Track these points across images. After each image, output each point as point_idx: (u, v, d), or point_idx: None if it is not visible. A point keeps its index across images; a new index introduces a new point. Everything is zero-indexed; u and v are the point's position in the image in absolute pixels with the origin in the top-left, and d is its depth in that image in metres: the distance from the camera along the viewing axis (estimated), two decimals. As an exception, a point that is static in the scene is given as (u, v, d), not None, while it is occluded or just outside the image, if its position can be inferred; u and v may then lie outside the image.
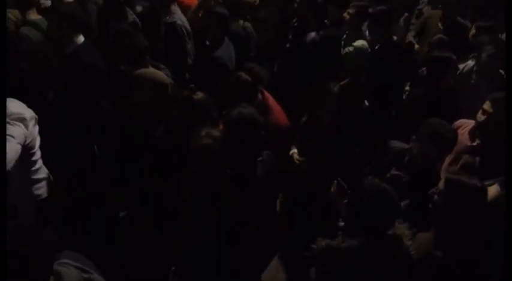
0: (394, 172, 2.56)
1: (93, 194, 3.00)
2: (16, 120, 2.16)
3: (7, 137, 2.06)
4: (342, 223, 2.25)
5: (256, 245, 2.42)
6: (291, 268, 2.94)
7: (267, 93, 2.94)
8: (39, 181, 2.43)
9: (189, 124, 2.48)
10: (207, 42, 3.82)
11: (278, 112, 2.89)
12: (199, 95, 2.59)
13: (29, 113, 2.29)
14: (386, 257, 1.90)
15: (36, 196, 2.41)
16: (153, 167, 2.64)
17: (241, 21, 4.11)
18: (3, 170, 1.34)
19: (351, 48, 3.91)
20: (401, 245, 1.93)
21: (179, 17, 3.84)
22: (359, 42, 3.93)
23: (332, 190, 2.33)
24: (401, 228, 1.99)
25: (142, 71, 2.94)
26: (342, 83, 3.77)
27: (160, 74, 2.98)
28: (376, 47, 3.85)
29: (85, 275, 1.44)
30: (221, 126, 2.60)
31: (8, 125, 2.09)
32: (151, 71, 3.00)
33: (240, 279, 2.42)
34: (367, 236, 1.93)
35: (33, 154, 2.35)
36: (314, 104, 3.01)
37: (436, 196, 2.08)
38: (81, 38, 3.07)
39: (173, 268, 2.94)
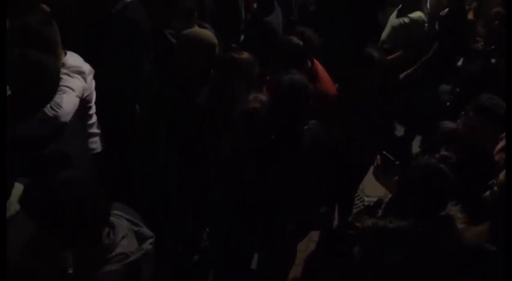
0: (443, 152, 2.42)
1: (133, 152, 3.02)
2: (75, 73, 2.17)
3: (65, 88, 2.08)
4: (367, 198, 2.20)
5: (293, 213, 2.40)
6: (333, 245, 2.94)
7: (316, 61, 2.82)
8: (94, 135, 2.46)
9: (232, 84, 2.46)
10: (255, 6, 3.70)
11: (327, 81, 2.77)
12: (244, 54, 2.52)
13: (87, 66, 2.29)
14: (438, 239, 1.79)
15: (90, 150, 2.44)
16: (195, 127, 2.63)
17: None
18: (3, 169, 1.34)
19: (406, 20, 3.68)
20: (454, 227, 1.82)
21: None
22: (416, 14, 3.69)
23: (376, 164, 2.25)
24: (453, 210, 1.89)
25: (191, 30, 2.89)
26: (391, 56, 3.59)
27: (209, 34, 2.91)
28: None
29: (135, 228, 1.44)
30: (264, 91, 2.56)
31: (67, 77, 2.10)
32: (199, 30, 2.93)
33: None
34: (418, 216, 1.82)
35: (90, 107, 2.37)
36: (358, 73, 2.88)
37: (495, 188, 1.93)
38: None
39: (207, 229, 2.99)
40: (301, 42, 2.60)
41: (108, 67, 2.68)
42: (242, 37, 3.85)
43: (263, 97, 2.23)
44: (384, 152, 2.29)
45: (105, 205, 1.32)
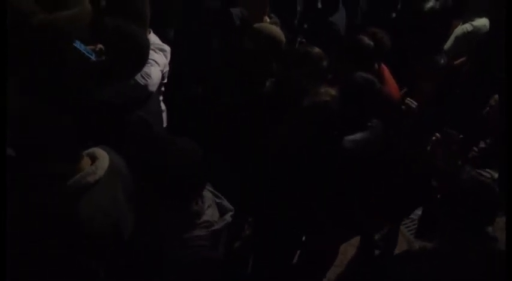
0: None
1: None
2: (158, 50, 2.28)
3: (152, 61, 2.20)
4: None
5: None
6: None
7: (383, 64, 2.83)
8: (162, 111, 2.59)
9: (302, 77, 2.49)
10: (319, 5, 3.73)
11: (392, 85, 2.79)
12: (316, 49, 2.56)
13: (166, 46, 2.42)
14: (486, 256, 1.76)
15: (161, 124, 2.56)
16: (257, 117, 2.67)
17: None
18: (3, 169, 1.38)
19: (469, 27, 3.59)
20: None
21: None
22: (480, 21, 3.58)
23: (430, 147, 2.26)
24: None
25: (262, 25, 2.96)
26: (456, 62, 3.53)
27: (279, 31, 2.97)
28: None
29: (217, 200, 1.51)
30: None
31: (152, 52, 2.20)
32: (269, 26, 2.99)
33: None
34: (468, 233, 1.79)
35: (163, 84, 2.48)
36: (418, 77, 2.88)
37: None
38: None
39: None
40: (372, 43, 2.61)
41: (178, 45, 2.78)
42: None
43: (333, 91, 2.26)
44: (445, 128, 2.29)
45: (206, 174, 1.39)
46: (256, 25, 2.87)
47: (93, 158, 1.50)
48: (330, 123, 2.23)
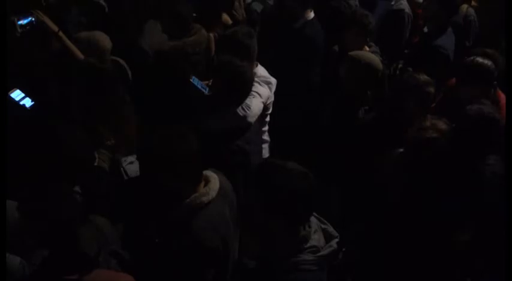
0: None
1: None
2: (263, 82, 2.43)
3: (255, 93, 2.36)
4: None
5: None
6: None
7: (498, 88, 2.62)
8: (265, 141, 2.72)
9: (408, 104, 2.41)
10: (425, 29, 3.61)
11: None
12: (423, 75, 2.46)
13: (273, 79, 2.56)
14: None
15: (260, 155, 2.68)
16: (358, 148, 2.63)
17: (464, 6, 3.76)
18: (3, 169, 1.51)
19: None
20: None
21: (405, 3, 3.74)
22: None
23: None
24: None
25: (359, 52, 2.96)
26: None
27: (376, 59, 2.94)
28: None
29: (322, 226, 1.52)
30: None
31: (257, 84, 2.38)
32: (367, 54, 2.98)
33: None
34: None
35: (267, 115, 2.63)
36: None
37: None
38: (311, 15, 3.25)
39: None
40: (489, 63, 2.44)
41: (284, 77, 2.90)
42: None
43: (443, 125, 2.10)
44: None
45: (316, 198, 1.41)
46: (352, 53, 2.88)
47: (206, 180, 1.68)
48: (439, 162, 2.06)
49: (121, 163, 2.05)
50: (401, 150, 2.31)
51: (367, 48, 3.06)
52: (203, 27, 2.94)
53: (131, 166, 2.13)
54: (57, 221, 1.45)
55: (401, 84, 2.55)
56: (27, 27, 2.30)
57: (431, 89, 2.41)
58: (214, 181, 1.68)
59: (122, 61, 2.63)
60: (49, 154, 1.70)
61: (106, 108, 1.95)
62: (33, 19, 2.30)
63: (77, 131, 1.79)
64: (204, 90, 2.32)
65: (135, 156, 2.13)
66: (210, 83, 2.36)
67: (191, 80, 2.30)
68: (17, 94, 2.03)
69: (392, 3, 3.73)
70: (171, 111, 2.22)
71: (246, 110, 2.30)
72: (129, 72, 2.61)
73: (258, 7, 3.65)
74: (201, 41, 2.94)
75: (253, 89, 2.35)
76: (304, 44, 3.12)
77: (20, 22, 2.27)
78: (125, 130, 2.01)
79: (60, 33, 2.41)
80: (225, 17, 3.28)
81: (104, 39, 2.59)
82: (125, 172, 2.10)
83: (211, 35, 2.99)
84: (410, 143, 2.15)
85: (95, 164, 1.92)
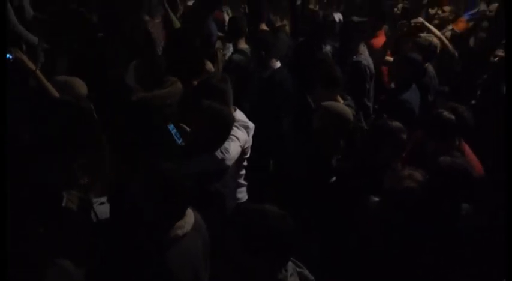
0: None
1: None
2: (242, 126, 2.46)
3: (233, 137, 2.36)
4: None
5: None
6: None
7: (463, 141, 2.76)
8: (242, 185, 2.70)
9: (383, 150, 2.48)
10: (392, 85, 3.83)
11: (475, 162, 2.68)
12: (396, 122, 2.56)
13: (251, 124, 2.61)
14: None
15: (237, 198, 2.65)
16: (335, 188, 2.66)
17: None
18: (3, 170, 1.53)
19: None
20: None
21: (365, 57, 3.97)
22: None
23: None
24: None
25: (330, 103, 3.07)
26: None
27: (347, 110, 3.06)
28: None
29: (298, 269, 1.52)
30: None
31: (235, 128, 2.41)
32: (338, 105, 3.10)
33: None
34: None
35: (245, 159, 2.63)
36: None
37: None
38: (277, 64, 3.41)
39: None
40: (453, 117, 2.58)
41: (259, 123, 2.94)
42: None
43: (419, 176, 2.15)
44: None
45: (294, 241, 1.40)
46: (324, 104, 2.98)
47: None
48: (414, 211, 2.09)
49: (91, 203, 1.98)
50: (377, 199, 2.34)
51: (341, 100, 3.16)
52: (187, 75, 2.96)
53: (101, 207, 2.05)
54: (23, 262, 1.37)
55: (377, 129, 2.64)
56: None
57: (404, 136, 2.50)
58: (189, 214, 1.75)
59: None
60: (16, 191, 1.64)
61: (81, 147, 1.90)
62: (11, 57, 2.31)
63: (45, 171, 1.75)
64: (178, 140, 2.34)
65: (105, 197, 2.07)
66: (188, 127, 2.37)
67: (168, 128, 2.33)
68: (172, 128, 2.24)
69: (354, 57, 3.98)
70: (149, 152, 2.20)
71: (225, 153, 2.30)
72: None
73: (238, 58, 3.76)
74: (175, 93, 2.90)
75: (232, 132, 2.37)
76: (273, 91, 3.22)
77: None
78: (99, 169, 1.96)
79: (38, 72, 2.44)
80: (209, 65, 3.36)
81: (80, 86, 2.64)
82: (95, 213, 2.02)
83: (194, 82, 3.01)
84: (389, 193, 2.17)
85: (63, 204, 1.85)
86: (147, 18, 4.26)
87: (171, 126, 2.36)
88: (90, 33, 3.69)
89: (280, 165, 3.30)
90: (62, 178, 1.77)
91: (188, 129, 2.35)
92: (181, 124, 2.40)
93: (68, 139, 1.90)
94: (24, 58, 2.42)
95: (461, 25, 4.98)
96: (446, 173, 2.13)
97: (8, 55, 2.31)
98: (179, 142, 2.28)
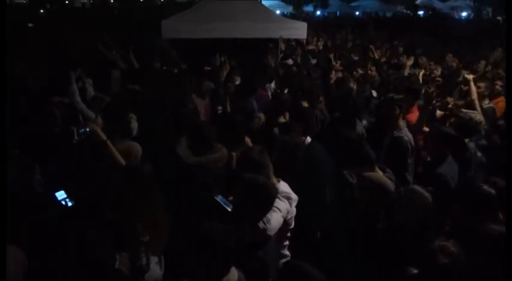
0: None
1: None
2: (284, 198, 2.60)
3: (274, 208, 2.49)
4: None
5: None
6: None
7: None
8: (285, 256, 2.76)
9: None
10: (428, 158, 3.91)
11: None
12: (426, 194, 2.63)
13: (294, 195, 2.73)
14: None
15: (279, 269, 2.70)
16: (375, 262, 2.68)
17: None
18: (3, 172, 1.65)
19: None
20: None
21: (406, 132, 4.08)
22: None
23: None
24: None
25: (372, 174, 3.19)
26: None
27: (387, 181, 3.17)
28: None
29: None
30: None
31: (277, 200, 2.53)
32: (379, 176, 3.22)
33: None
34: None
35: (288, 230, 2.71)
36: None
37: None
38: (308, 139, 3.67)
39: None
40: (493, 192, 2.62)
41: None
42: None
43: (452, 248, 2.20)
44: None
45: None
46: (366, 174, 3.11)
47: None
48: None
49: (143, 268, 2.11)
50: (415, 272, 2.35)
51: (380, 172, 3.26)
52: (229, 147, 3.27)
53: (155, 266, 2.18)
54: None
55: (406, 201, 2.70)
56: (82, 136, 2.71)
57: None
58: (233, 272, 1.86)
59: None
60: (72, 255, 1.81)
61: (143, 208, 2.11)
62: (88, 130, 2.70)
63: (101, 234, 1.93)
64: (227, 208, 2.48)
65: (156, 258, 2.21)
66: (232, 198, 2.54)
67: (216, 198, 2.49)
68: (60, 194, 2.28)
69: (395, 132, 4.08)
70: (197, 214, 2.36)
71: (266, 223, 2.41)
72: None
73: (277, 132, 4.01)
74: (223, 157, 3.24)
75: (274, 204, 2.48)
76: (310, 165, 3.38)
77: (79, 131, 2.72)
78: (158, 228, 2.13)
79: (108, 142, 2.80)
80: (247, 140, 3.64)
81: (137, 151, 3.06)
82: (143, 278, 2.14)
83: (234, 154, 3.29)
84: (426, 269, 2.22)
85: (116, 266, 1.99)
86: (198, 99, 4.72)
87: (219, 197, 2.51)
88: (142, 113, 4.14)
89: (325, 236, 3.35)
90: (126, 234, 1.94)
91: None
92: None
93: (132, 202, 2.12)
94: (98, 130, 2.80)
95: (501, 104, 5.08)
96: (488, 243, 2.18)
97: (86, 129, 2.70)
98: (228, 208, 2.42)
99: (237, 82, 5.80)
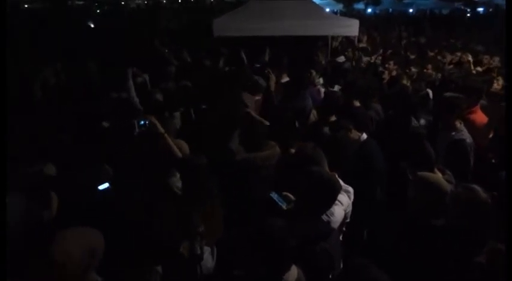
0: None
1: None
2: (344, 191, 2.57)
3: (337, 202, 2.48)
4: None
5: None
6: None
7: None
8: None
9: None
10: (493, 161, 3.70)
11: None
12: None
13: (351, 188, 2.74)
14: None
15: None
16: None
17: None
18: (3, 171, 1.63)
19: None
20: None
21: (467, 134, 3.88)
22: None
23: None
24: None
25: (428, 174, 3.06)
26: None
27: (444, 182, 3.02)
28: None
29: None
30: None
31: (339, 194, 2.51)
32: (435, 176, 3.07)
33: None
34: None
35: (344, 224, 2.71)
36: None
37: None
38: (364, 136, 3.58)
39: None
40: None
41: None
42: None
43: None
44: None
45: None
46: (421, 174, 2.98)
47: None
48: None
49: (199, 256, 2.16)
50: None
51: (439, 173, 3.13)
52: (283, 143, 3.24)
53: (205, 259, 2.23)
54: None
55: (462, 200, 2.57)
56: (142, 128, 2.82)
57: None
58: (293, 270, 1.86)
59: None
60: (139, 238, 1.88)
61: (198, 199, 2.16)
62: (147, 122, 2.80)
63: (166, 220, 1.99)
64: (282, 205, 2.47)
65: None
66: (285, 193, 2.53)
67: (271, 195, 2.48)
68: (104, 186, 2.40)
69: (453, 133, 3.88)
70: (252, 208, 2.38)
71: (330, 216, 2.42)
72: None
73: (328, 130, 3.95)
74: (274, 155, 3.22)
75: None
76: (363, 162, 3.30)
77: (139, 123, 2.83)
78: (212, 220, 2.17)
79: (165, 135, 2.89)
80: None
81: (186, 148, 3.12)
82: (200, 265, 2.20)
83: (291, 150, 3.26)
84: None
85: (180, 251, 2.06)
86: (247, 95, 4.75)
87: (273, 194, 2.51)
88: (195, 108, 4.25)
89: (373, 234, 3.27)
90: (182, 225, 2.00)
91: (290, 195, 2.51)
92: (284, 192, 2.59)
93: (191, 191, 2.17)
94: (157, 123, 2.89)
95: None
96: None
97: (145, 121, 2.81)
98: (284, 206, 2.42)
99: (284, 80, 5.77)
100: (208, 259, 2.19)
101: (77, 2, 23.56)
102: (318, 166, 2.65)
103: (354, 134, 3.56)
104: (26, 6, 22.68)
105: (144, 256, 1.89)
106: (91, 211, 2.14)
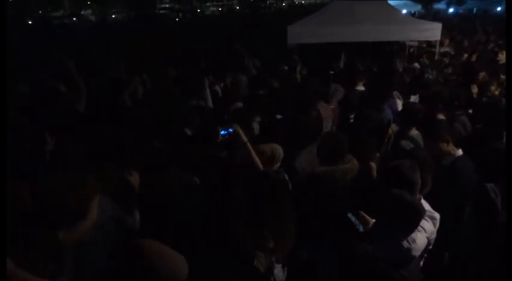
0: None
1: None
2: (429, 217, 2.43)
3: (420, 228, 2.33)
4: None
5: None
6: None
7: None
8: None
9: None
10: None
11: None
12: None
13: (437, 214, 2.55)
14: None
15: None
16: None
17: None
18: (3, 171, 1.52)
19: None
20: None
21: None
22: None
23: None
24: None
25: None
26: None
27: None
28: None
29: None
30: None
31: (422, 220, 2.36)
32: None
33: None
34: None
35: (427, 250, 2.53)
36: None
37: None
38: (459, 151, 3.29)
39: None
40: None
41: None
42: None
43: None
44: None
45: None
46: None
47: None
48: None
49: (273, 269, 2.14)
50: None
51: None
52: (363, 156, 3.12)
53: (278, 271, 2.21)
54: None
55: None
56: (226, 136, 2.84)
57: None
58: None
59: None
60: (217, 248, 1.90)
61: (273, 214, 2.14)
62: (231, 130, 2.82)
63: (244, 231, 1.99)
64: (359, 228, 2.37)
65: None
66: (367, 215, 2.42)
67: (348, 216, 2.38)
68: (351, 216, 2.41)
69: None
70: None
71: (411, 243, 2.28)
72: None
73: (407, 145, 3.74)
74: (353, 169, 3.09)
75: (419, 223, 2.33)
76: (455, 180, 3.08)
77: (222, 132, 2.84)
78: (284, 237, 2.14)
79: (248, 145, 2.86)
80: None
81: (281, 153, 3.08)
82: (274, 278, 2.18)
83: (372, 164, 3.13)
84: None
85: (254, 263, 2.05)
86: (322, 104, 4.65)
87: (350, 215, 2.40)
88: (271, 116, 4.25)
89: (456, 258, 3.04)
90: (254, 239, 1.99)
91: (367, 217, 2.41)
92: (361, 212, 2.48)
93: (264, 207, 2.16)
94: (241, 132, 2.86)
95: None
96: None
97: (230, 129, 2.83)
98: (360, 228, 2.32)
99: (359, 87, 5.58)
100: (279, 275, 2.16)
101: (159, 11, 24.98)
102: (410, 188, 2.43)
103: (451, 147, 3.31)
104: (113, 16, 24.48)
105: (220, 269, 1.91)
106: (174, 220, 2.20)
